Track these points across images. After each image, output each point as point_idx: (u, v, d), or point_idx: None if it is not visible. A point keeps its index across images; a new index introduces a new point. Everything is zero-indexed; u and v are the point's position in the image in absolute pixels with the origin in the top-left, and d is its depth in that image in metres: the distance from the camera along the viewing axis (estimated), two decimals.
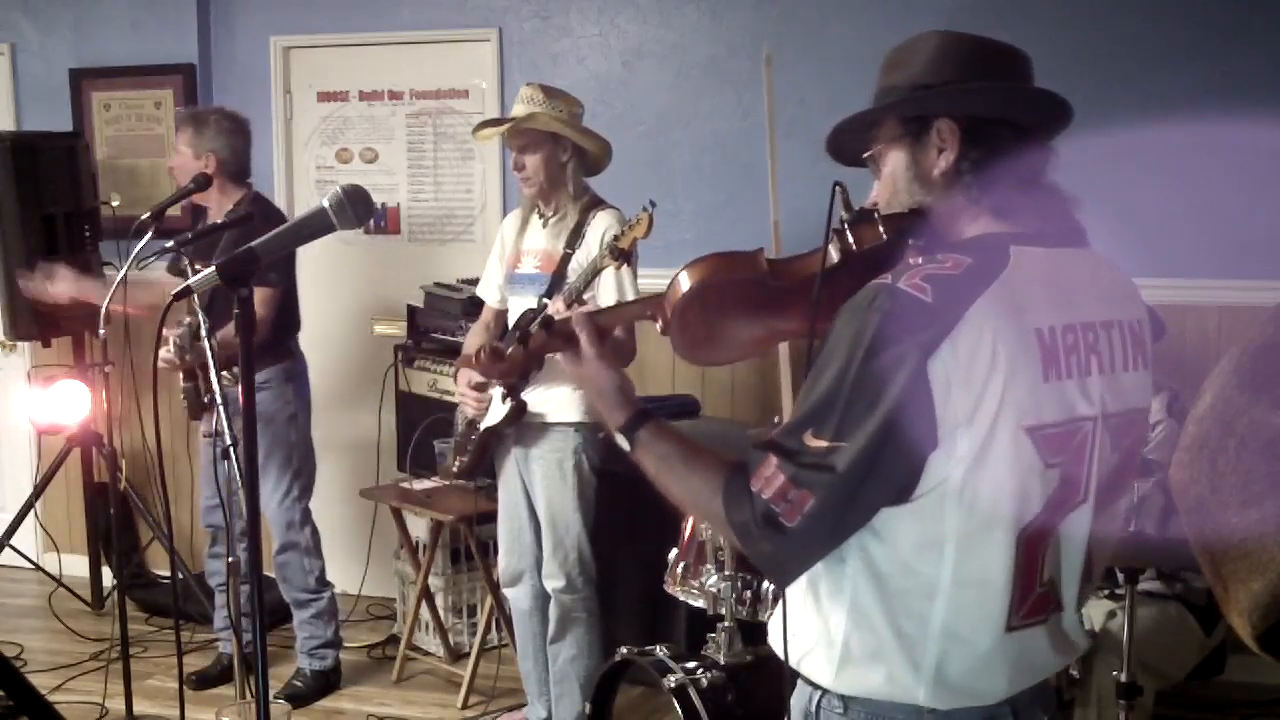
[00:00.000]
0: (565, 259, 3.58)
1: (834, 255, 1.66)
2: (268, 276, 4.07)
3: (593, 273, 3.30)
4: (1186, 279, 4.18)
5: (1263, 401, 0.98)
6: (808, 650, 1.67)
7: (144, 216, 3.75)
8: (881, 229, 1.64)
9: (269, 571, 4.57)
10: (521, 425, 3.64)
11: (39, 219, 4.65)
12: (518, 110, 3.63)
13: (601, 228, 3.55)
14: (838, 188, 1.66)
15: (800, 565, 1.60)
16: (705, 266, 1.71)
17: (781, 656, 1.72)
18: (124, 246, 3.78)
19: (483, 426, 3.68)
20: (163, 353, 3.72)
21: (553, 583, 3.70)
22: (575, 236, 3.58)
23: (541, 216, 3.69)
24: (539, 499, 3.70)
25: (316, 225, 1.91)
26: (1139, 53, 4.23)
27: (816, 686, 1.68)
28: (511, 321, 3.74)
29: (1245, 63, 4.11)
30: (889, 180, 1.68)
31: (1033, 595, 1.61)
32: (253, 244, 1.89)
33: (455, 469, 3.85)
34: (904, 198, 1.66)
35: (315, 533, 4.38)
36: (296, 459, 4.30)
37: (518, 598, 3.86)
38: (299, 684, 4.33)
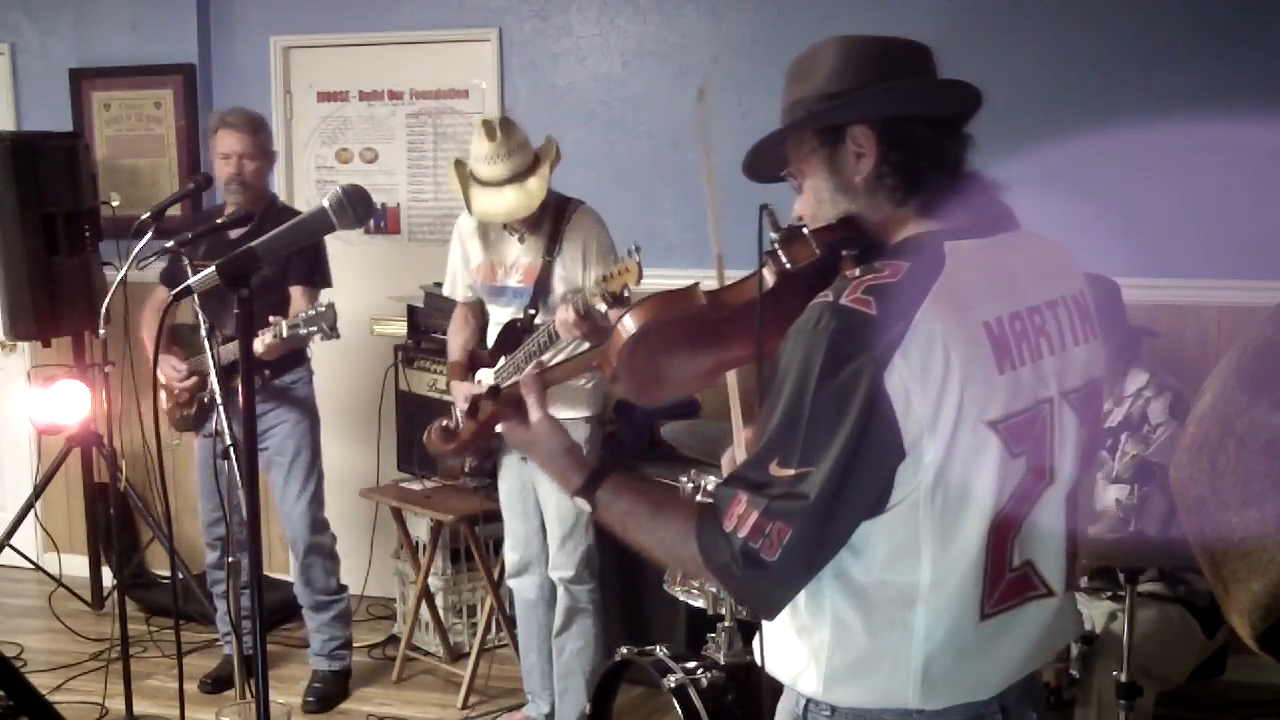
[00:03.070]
0: (546, 267, 3.59)
1: (769, 278, 1.64)
2: (313, 278, 4.14)
3: (585, 306, 3.27)
4: (1186, 279, 4.18)
5: (1263, 401, 0.98)
6: (798, 673, 1.66)
7: (144, 216, 3.75)
8: (814, 244, 1.62)
9: (269, 572, 4.58)
10: None
11: (39, 219, 4.64)
12: (502, 170, 3.50)
13: (580, 234, 3.58)
14: (765, 210, 1.65)
15: (786, 597, 1.57)
16: (645, 311, 1.70)
17: (768, 672, 1.71)
18: (124, 246, 3.78)
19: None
20: (264, 341, 3.68)
21: (560, 574, 3.70)
22: (553, 243, 3.60)
23: (515, 233, 3.66)
24: (547, 492, 3.70)
25: (316, 225, 1.91)
26: (1139, 53, 4.23)
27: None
28: (494, 335, 3.75)
29: (1245, 62, 4.11)
30: (812, 193, 1.66)
31: (1003, 582, 1.60)
32: (253, 244, 1.89)
33: (465, 469, 3.89)
34: (829, 209, 1.64)
35: (333, 535, 4.39)
36: (319, 461, 4.32)
37: (524, 588, 3.86)
38: (320, 685, 4.32)
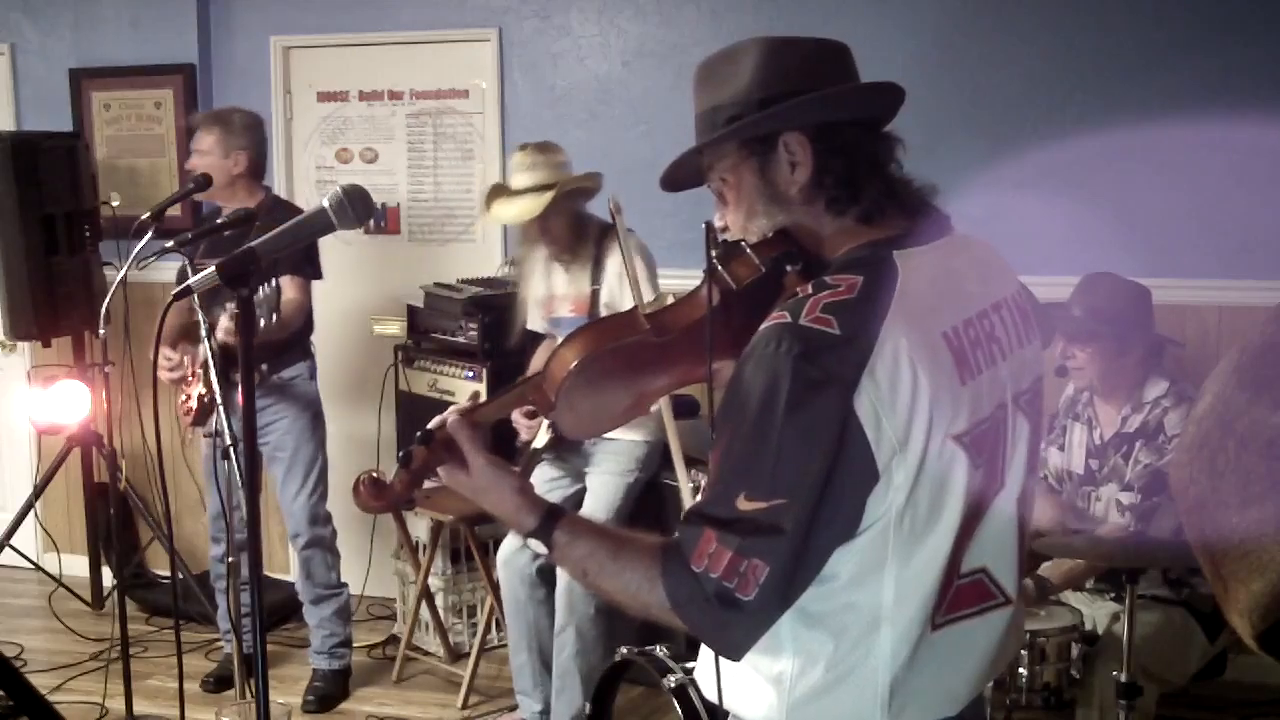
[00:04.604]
0: (594, 296, 3.62)
1: (714, 298, 1.57)
2: (304, 269, 4.12)
3: None
4: (1186, 279, 4.18)
5: (1263, 401, 0.98)
6: (758, 703, 1.60)
7: (144, 216, 3.74)
8: (756, 261, 1.55)
9: (269, 572, 4.57)
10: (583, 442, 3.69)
11: (39, 219, 4.64)
12: (524, 180, 3.61)
13: (617, 258, 3.56)
14: (708, 226, 1.60)
15: (759, 636, 1.50)
16: (584, 341, 1.61)
17: (717, 702, 1.65)
18: (124, 246, 3.77)
19: (532, 447, 3.70)
20: (223, 329, 3.65)
21: None
22: (597, 270, 3.62)
23: (561, 261, 3.72)
24: (589, 495, 3.73)
25: (317, 225, 1.91)
26: (1139, 52, 4.22)
27: None
28: None
29: (1245, 61, 4.11)
30: (742, 203, 1.59)
31: (952, 590, 1.55)
32: (253, 244, 1.89)
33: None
34: (763, 221, 1.57)
35: (334, 529, 4.40)
36: (321, 455, 4.32)
37: (513, 585, 3.86)
38: (320, 685, 4.31)
